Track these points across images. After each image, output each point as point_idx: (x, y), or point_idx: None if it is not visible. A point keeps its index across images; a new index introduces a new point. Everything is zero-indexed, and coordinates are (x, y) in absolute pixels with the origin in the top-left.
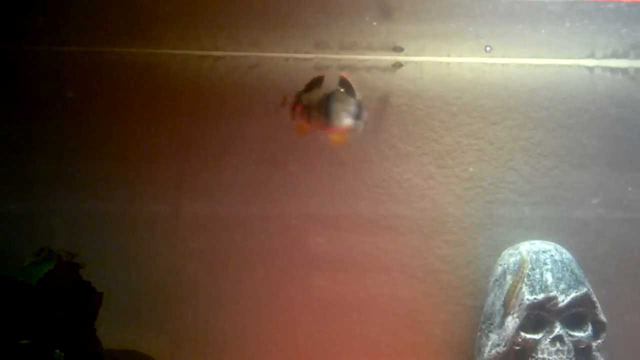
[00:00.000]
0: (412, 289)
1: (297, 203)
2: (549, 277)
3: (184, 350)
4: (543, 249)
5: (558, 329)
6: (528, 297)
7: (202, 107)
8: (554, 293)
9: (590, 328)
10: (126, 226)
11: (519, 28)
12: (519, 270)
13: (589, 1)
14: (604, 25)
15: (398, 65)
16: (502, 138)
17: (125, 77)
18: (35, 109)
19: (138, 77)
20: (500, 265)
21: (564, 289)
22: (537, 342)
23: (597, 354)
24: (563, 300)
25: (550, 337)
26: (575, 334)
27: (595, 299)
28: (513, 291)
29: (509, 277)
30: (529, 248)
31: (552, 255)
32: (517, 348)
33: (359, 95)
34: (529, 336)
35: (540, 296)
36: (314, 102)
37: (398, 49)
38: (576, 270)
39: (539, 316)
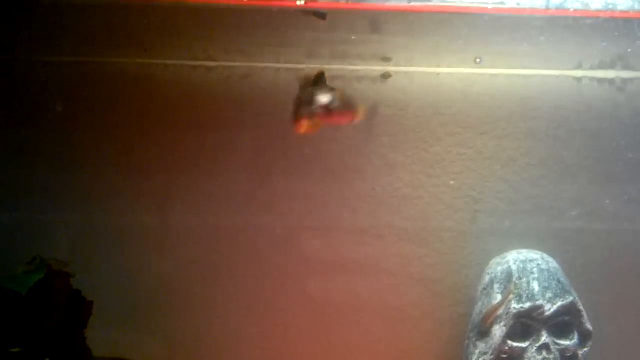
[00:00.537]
0: (402, 297)
1: (288, 212)
2: (535, 286)
3: (175, 358)
4: (530, 258)
5: (544, 338)
6: (515, 305)
7: (195, 117)
8: (540, 302)
9: (576, 336)
10: (118, 235)
11: (507, 40)
12: (504, 296)
13: (566, 16)
14: (590, 37)
15: (387, 75)
16: (491, 148)
17: (117, 88)
18: (26, 120)
19: (130, 87)
20: (488, 274)
21: (550, 298)
22: (523, 351)
23: None
24: (549, 309)
25: (537, 345)
26: (562, 342)
27: (581, 307)
28: (492, 312)
29: (496, 287)
30: (516, 257)
31: (539, 265)
32: (504, 356)
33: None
34: (515, 345)
35: (527, 305)
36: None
37: (387, 59)
38: (562, 279)
39: (526, 325)
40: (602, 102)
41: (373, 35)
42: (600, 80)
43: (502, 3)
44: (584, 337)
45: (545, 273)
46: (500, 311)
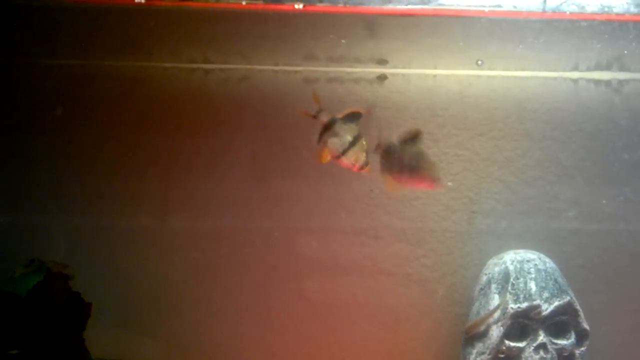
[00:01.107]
0: (399, 297)
1: (286, 214)
2: (532, 286)
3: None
4: (527, 259)
5: (542, 337)
6: (512, 305)
7: (193, 119)
8: (537, 302)
9: (573, 336)
10: (116, 237)
11: (504, 42)
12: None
13: (563, 19)
14: (586, 39)
15: (384, 77)
16: (489, 149)
17: (115, 90)
18: (24, 122)
19: (128, 90)
20: (485, 274)
21: (547, 298)
22: (521, 350)
23: None
24: (546, 308)
25: (534, 345)
26: (559, 342)
27: (578, 307)
28: (478, 323)
29: (493, 287)
30: (513, 257)
31: (536, 265)
32: (502, 356)
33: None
34: (513, 344)
35: (524, 305)
36: (345, 139)
37: (384, 62)
38: (559, 279)
39: (523, 324)
40: (598, 103)
41: (370, 38)
42: (597, 82)
43: (499, 6)
44: (581, 337)
45: (542, 273)
46: (482, 327)
